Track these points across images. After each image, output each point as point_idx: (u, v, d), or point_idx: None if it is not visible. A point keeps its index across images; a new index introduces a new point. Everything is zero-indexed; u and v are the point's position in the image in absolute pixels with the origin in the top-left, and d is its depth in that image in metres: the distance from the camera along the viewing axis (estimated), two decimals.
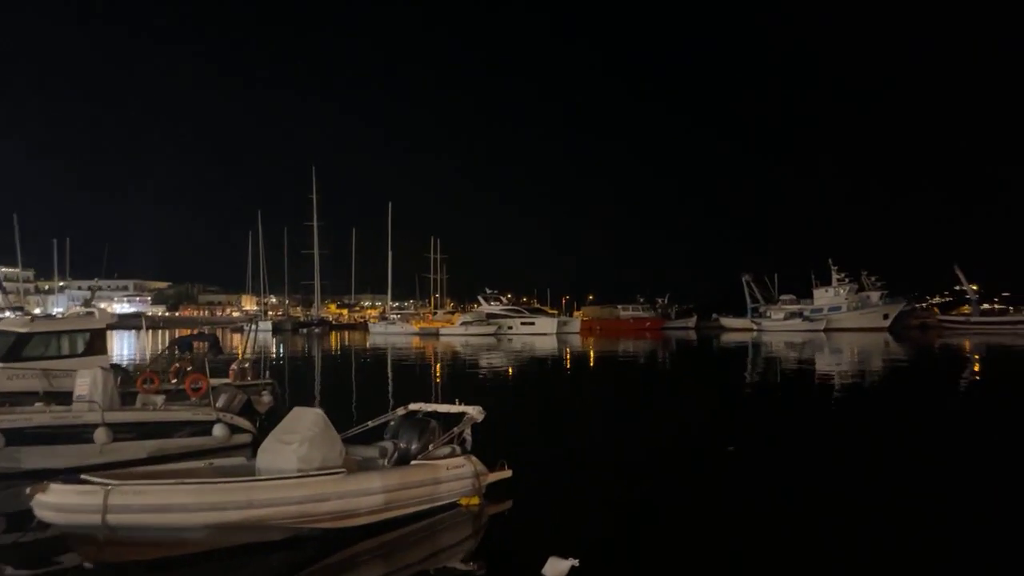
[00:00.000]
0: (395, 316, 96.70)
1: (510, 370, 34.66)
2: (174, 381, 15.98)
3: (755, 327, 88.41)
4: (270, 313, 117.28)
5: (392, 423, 10.54)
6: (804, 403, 22.27)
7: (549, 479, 11.23)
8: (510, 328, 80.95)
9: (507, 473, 10.20)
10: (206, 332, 18.06)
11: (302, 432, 8.48)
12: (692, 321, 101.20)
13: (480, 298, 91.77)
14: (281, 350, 53.69)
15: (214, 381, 15.92)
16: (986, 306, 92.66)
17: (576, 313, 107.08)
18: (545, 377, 31.95)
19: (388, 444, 10.04)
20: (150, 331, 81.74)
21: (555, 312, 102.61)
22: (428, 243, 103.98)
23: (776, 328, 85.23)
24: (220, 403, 14.01)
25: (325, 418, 8.74)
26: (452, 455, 9.64)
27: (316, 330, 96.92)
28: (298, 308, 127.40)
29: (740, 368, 36.91)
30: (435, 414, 10.67)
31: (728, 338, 72.44)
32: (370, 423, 10.62)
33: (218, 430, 13.12)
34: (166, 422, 12.87)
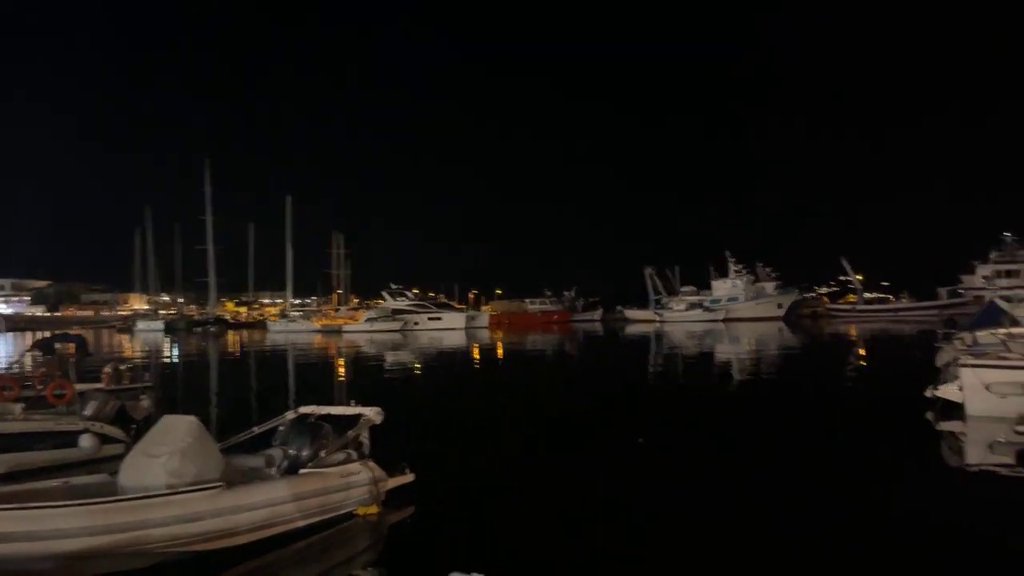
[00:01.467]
0: (296, 313, 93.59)
1: (416, 367, 33.84)
2: (40, 387, 14.42)
3: (658, 318, 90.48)
4: (162, 312, 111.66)
5: (281, 428, 9.66)
6: (708, 392, 22.52)
7: (454, 482, 10.60)
8: (416, 324, 79.74)
9: (409, 478, 9.54)
10: (72, 333, 16.43)
11: (172, 443, 7.53)
12: (598, 314, 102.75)
13: (385, 294, 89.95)
14: (172, 351, 50.80)
15: (84, 386, 14.51)
16: (869, 295, 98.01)
17: (484, 307, 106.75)
18: (452, 373, 31.28)
19: (276, 452, 9.17)
20: (28, 332, 76.12)
21: (463, 307, 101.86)
22: (330, 238, 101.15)
23: (678, 319, 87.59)
24: (88, 410, 12.71)
25: (200, 426, 7.82)
26: (347, 461, 8.88)
27: (211, 329, 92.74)
28: (192, 306, 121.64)
29: (644, 359, 37.34)
30: (329, 417, 9.88)
31: (632, 329, 73.82)
32: (256, 429, 9.73)
33: (86, 440, 11.83)
34: (25, 433, 11.50)
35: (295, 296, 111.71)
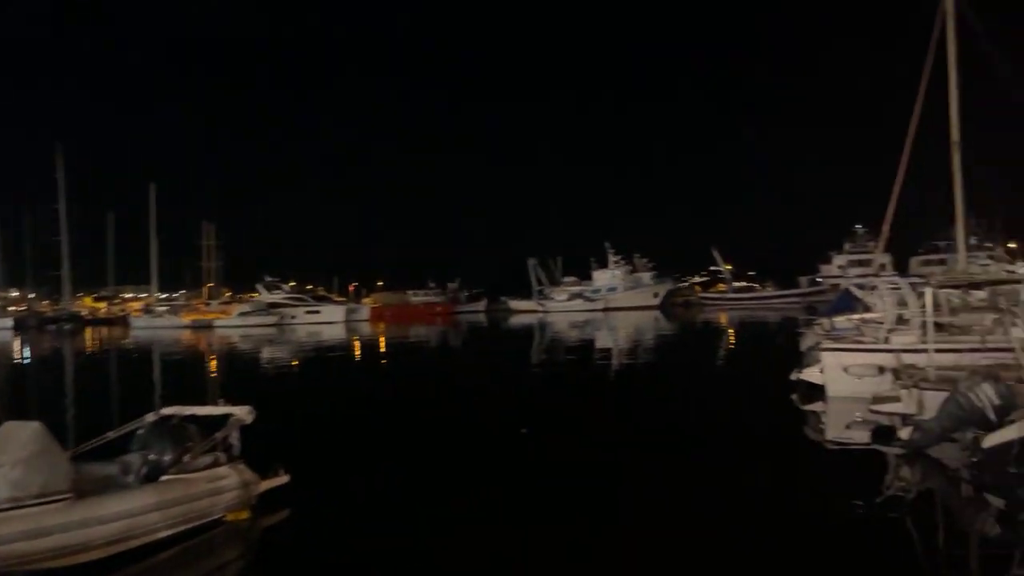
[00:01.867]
0: (162, 308, 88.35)
1: (292, 363, 32.66)
2: None
3: (541, 309, 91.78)
4: (10, 308, 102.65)
5: (140, 432, 8.92)
6: (589, 379, 22.92)
7: (333, 483, 10.17)
8: (293, 318, 77.06)
9: (283, 479, 9.05)
10: None
11: (14, 452, 6.76)
12: (482, 305, 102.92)
13: (260, 287, 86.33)
14: (21, 351, 46.75)
15: None
16: (737, 284, 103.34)
17: (365, 300, 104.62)
18: (330, 369, 30.38)
19: (135, 458, 8.46)
20: None
21: (343, 299, 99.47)
22: (200, 228, 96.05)
23: (560, 309, 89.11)
24: None
25: (45, 432, 7.05)
26: (216, 464, 8.30)
27: (66, 326, 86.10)
28: (45, 302, 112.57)
29: (527, 349, 37.68)
30: (195, 418, 9.22)
31: (516, 320, 74.47)
32: (111, 434, 8.93)
33: None
34: None
35: (162, 290, 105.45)
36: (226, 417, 9.01)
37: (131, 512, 7.03)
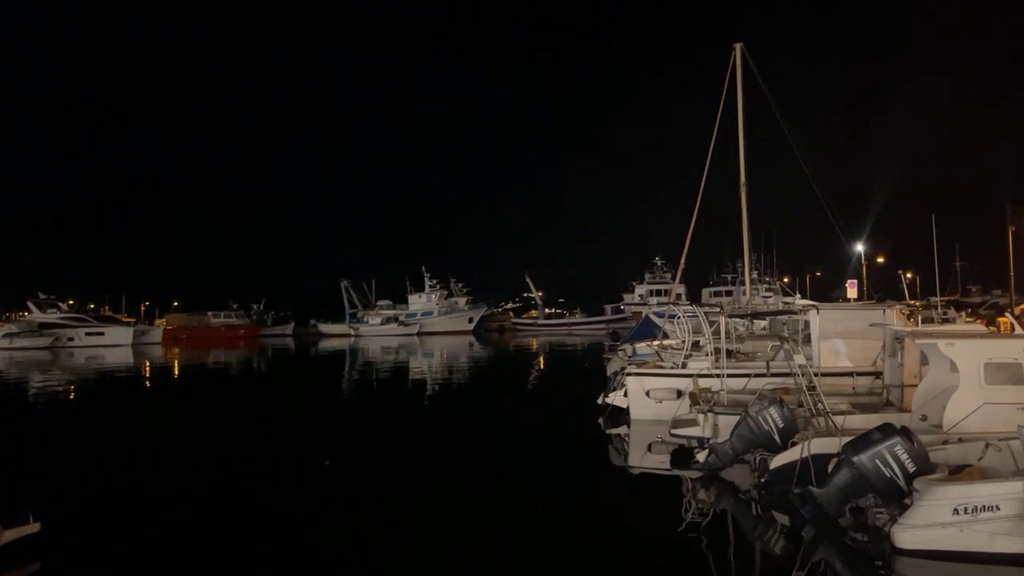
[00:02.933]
0: None
1: (62, 392, 29.07)
2: None
3: (353, 332, 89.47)
4: None
5: None
6: (400, 406, 22.29)
7: (92, 528, 8.84)
8: (71, 340, 69.41)
9: (33, 527, 7.67)
10: None
11: None
12: (289, 328, 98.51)
13: (31, 304, 76.88)
14: None
15: None
16: (548, 310, 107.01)
17: (158, 321, 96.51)
18: (106, 398, 27.32)
19: None
20: None
21: (132, 320, 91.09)
22: None
23: (374, 333, 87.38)
24: None
25: None
26: None
27: None
28: None
29: (336, 376, 36.27)
30: None
31: (327, 344, 71.92)
32: None
33: None
34: None
35: None
36: None
37: None
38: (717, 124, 24.66)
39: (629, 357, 20.34)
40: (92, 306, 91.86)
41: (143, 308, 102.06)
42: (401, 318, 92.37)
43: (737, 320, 19.51)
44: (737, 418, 10.73)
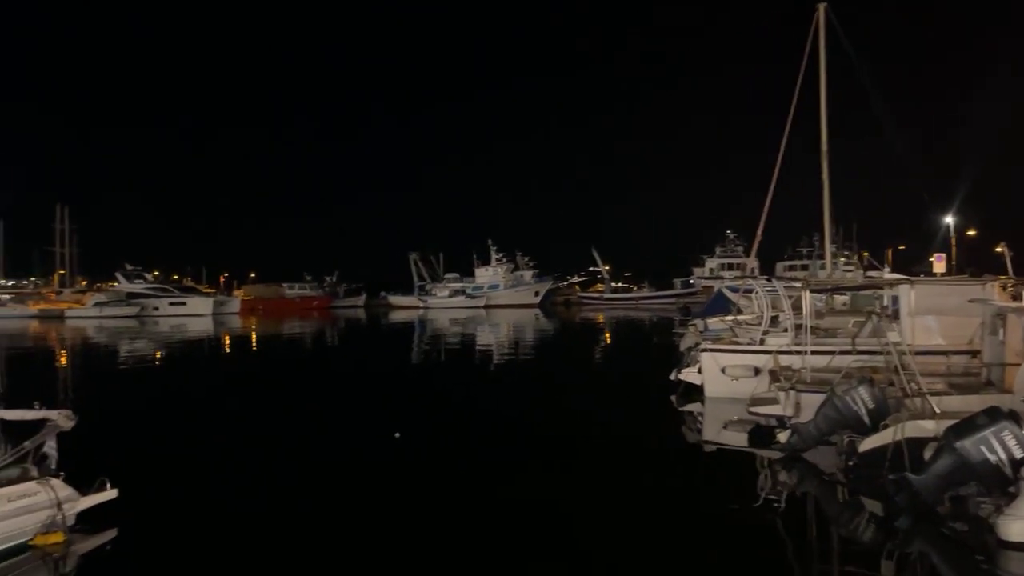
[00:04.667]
0: (6, 296, 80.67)
1: (148, 358, 30.19)
2: None
3: (421, 304, 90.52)
4: None
5: None
6: (467, 379, 22.29)
7: (169, 496, 8.98)
8: (156, 309, 72.29)
9: (110, 494, 7.78)
10: None
11: None
12: (361, 299, 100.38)
13: (119, 275, 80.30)
14: None
15: None
16: (615, 284, 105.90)
17: (237, 292, 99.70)
18: (190, 364, 28.26)
19: None
20: None
21: (212, 291, 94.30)
22: (53, 211, 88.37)
23: (441, 305, 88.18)
24: None
25: None
26: (24, 478, 7.02)
27: None
28: None
29: (408, 346, 36.65)
30: (3, 423, 7.84)
31: (396, 316, 72.99)
32: None
33: None
34: None
35: (7, 277, 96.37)
36: (42, 422, 7.68)
37: None
38: (797, 91, 23.54)
39: (702, 332, 19.75)
40: (175, 277, 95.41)
41: (222, 279, 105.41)
42: (468, 291, 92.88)
43: (815, 295, 18.67)
44: (821, 397, 10.18)
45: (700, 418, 14.25)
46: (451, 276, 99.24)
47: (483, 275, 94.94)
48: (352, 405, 16.65)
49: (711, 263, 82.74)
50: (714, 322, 20.53)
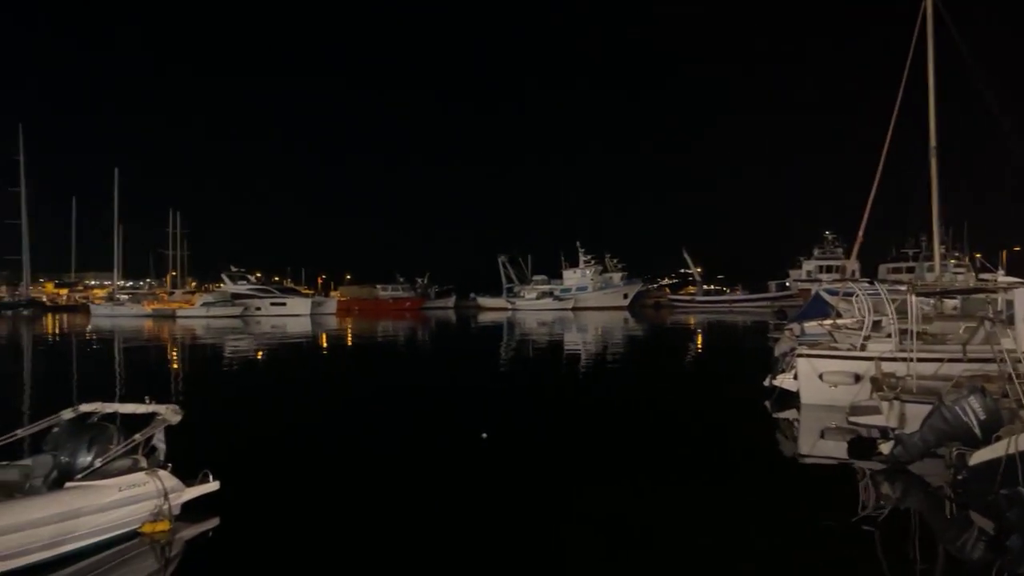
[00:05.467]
0: (124, 296, 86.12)
1: (250, 356, 31.56)
2: None
3: (510, 306, 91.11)
4: None
5: (56, 430, 8.05)
6: (554, 382, 22.24)
7: (268, 488, 9.35)
8: (258, 309, 75.54)
9: (212, 486, 8.19)
10: None
11: None
12: (451, 301, 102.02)
13: (225, 276, 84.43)
14: None
15: None
16: (706, 287, 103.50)
17: (333, 293, 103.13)
18: (290, 363, 29.37)
19: (43, 459, 7.60)
20: None
21: (310, 292, 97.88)
22: (167, 215, 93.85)
23: (529, 307, 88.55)
24: None
25: None
26: (134, 468, 7.45)
27: (24, 312, 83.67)
28: (2, 287, 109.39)
29: (495, 347, 36.95)
30: (117, 416, 8.36)
31: (485, 317, 73.68)
32: (20, 432, 8.04)
33: None
34: None
35: (127, 278, 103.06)
36: (151, 416, 8.16)
37: (21, 525, 6.16)
38: (903, 85, 22.40)
39: (798, 337, 19.09)
40: (276, 279, 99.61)
41: (320, 281, 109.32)
42: (556, 293, 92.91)
43: (922, 299, 17.71)
44: (928, 407, 9.64)
45: (795, 426, 13.73)
46: (539, 278, 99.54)
47: (571, 277, 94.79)
48: (441, 404, 16.89)
49: (808, 265, 79.82)
50: (811, 326, 19.82)
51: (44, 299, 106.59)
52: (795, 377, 14.90)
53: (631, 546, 7.32)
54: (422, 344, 40.67)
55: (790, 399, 14.94)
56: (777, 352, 18.51)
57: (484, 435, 12.21)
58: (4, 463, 7.53)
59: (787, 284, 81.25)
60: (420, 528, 7.86)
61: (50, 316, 79.90)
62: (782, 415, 14.35)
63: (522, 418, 14.98)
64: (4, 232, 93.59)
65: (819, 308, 22.91)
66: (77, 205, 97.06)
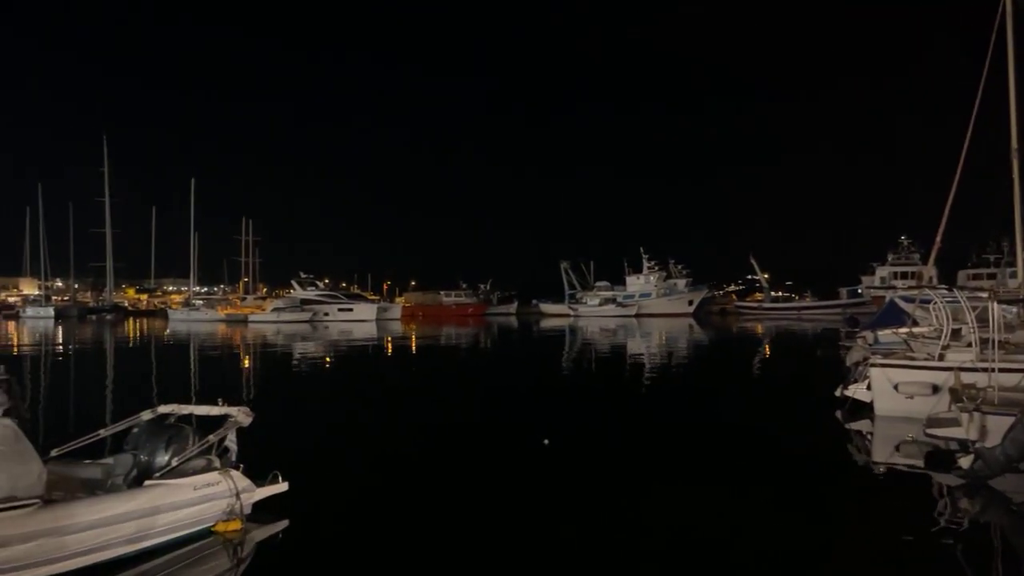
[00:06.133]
0: (198, 302, 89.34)
1: (318, 360, 32.29)
2: None
3: (572, 312, 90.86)
4: (55, 298, 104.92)
5: (135, 430, 8.41)
6: (617, 389, 22.06)
7: (335, 490, 9.55)
8: (326, 315, 77.29)
9: (281, 487, 8.40)
10: None
11: None
12: (513, 307, 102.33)
13: (294, 283, 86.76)
14: (57, 339, 47.26)
15: None
16: (774, 293, 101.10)
17: (398, 299, 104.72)
18: (355, 368, 29.93)
19: (124, 458, 7.94)
20: None
21: (375, 298, 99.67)
22: (240, 224, 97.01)
23: (592, 313, 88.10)
24: None
25: (15, 431, 6.49)
26: (208, 468, 7.71)
27: (107, 316, 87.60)
28: (88, 293, 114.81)
29: (558, 354, 36.89)
30: (192, 418, 8.69)
31: (547, 323, 73.63)
32: (102, 432, 8.42)
33: None
34: None
35: (202, 284, 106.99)
36: (224, 417, 8.45)
37: (104, 520, 6.44)
38: (982, 84, 21.45)
39: (871, 346, 18.48)
40: (343, 285, 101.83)
41: (385, 287, 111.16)
42: (619, 299, 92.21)
43: (1004, 307, 16.91)
44: (1010, 419, 9.19)
45: (869, 438, 13.28)
46: (602, 284, 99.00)
47: (634, 283, 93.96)
48: (503, 409, 16.95)
49: (882, 271, 77.10)
50: (885, 335, 19.18)
51: (126, 304, 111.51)
52: (868, 387, 14.42)
53: (699, 558, 7.19)
54: (484, 349, 40.91)
55: (863, 410, 14.47)
56: (849, 361, 17.93)
57: (546, 441, 12.19)
58: (88, 461, 7.89)
59: (859, 291, 78.72)
60: (482, 533, 7.90)
61: (131, 320, 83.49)
62: (855, 426, 13.90)
63: (584, 425, 14.90)
64: (91, 240, 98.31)
65: (894, 316, 22.14)
66: (157, 214, 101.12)
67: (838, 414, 14.79)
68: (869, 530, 8.09)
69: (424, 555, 7.26)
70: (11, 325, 70.17)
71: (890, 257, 78.75)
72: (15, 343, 42.84)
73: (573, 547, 7.50)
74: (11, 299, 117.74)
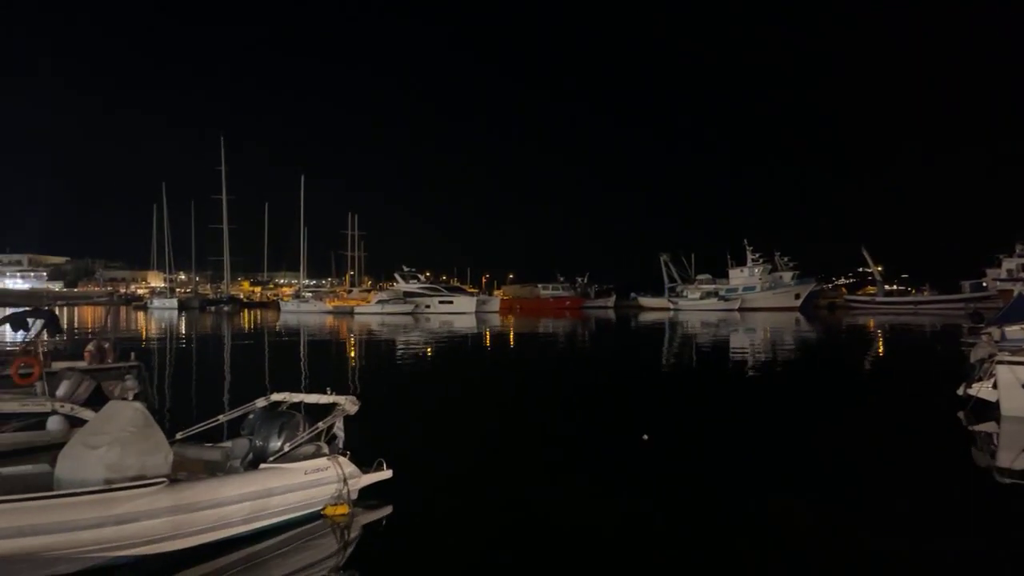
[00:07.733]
0: (308, 294, 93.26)
1: (421, 352, 33.05)
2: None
3: (672, 306, 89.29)
4: (178, 291, 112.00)
5: (251, 416, 8.85)
6: (720, 385, 21.53)
7: (438, 479, 9.74)
8: (428, 307, 79.15)
9: (386, 474, 8.66)
10: (45, 308, 15.72)
11: (113, 432, 6.69)
12: (611, 300, 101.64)
13: (397, 276, 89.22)
14: (180, 329, 50.38)
15: (61, 364, 13.82)
16: (889, 287, 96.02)
17: (496, 292, 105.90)
18: (456, 359, 30.46)
19: (241, 442, 8.38)
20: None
21: (475, 291, 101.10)
22: (346, 219, 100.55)
23: (692, 307, 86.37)
24: (61, 391, 12.00)
25: (145, 414, 6.97)
26: (317, 454, 8.04)
27: (225, 308, 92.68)
28: (208, 285, 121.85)
29: (657, 348, 36.36)
30: (303, 405, 9.09)
31: (646, 317, 72.71)
32: (221, 417, 8.93)
33: (54, 423, 11.13)
34: None
35: (311, 277, 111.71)
36: (332, 406, 8.78)
37: (224, 500, 6.82)
38: None
39: (998, 342, 17.31)
40: (444, 278, 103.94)
41: (484, 280, 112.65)
42: (721, 293, 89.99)
43: None
44: None
45: (994, 440, 12.43)
46: (703, 277, 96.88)
47: (738, 276, 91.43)
48: (601, 403, 16.87)
49: (1009, 263, 72.07)
50: (1014, 330, 18.00)
51: (241, 296, 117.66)
52: (994, 386, 13.52)
53: (813, 562, 6.94)
54: (582, 343, 40.80)
55: (988, 410, 13.57)
56: (972, 358, 16.80)
57: (645, 436, 12.05)
58: (209, 444, 8.38)
59: (984, 284, 73.77)
60: (580, 526, 7.90)
61: (246, 312, 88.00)
62: (979, 428, 13.05)
63: (685, 421, 14.63)
64: (211, 235, 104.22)
65: (1022, 310, 20.66)
66: (269, 210, 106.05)
67: (960, 415, 13.92)
68: (994, 539, 7.57)
69: (518, 546, 7.31)
70: (140, 316, 75.36)
71: (1018, 248, 73.41)
72: (143, 333, 45.90)
73: (674, 544, 7.38)
74: (140, 291, 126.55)
